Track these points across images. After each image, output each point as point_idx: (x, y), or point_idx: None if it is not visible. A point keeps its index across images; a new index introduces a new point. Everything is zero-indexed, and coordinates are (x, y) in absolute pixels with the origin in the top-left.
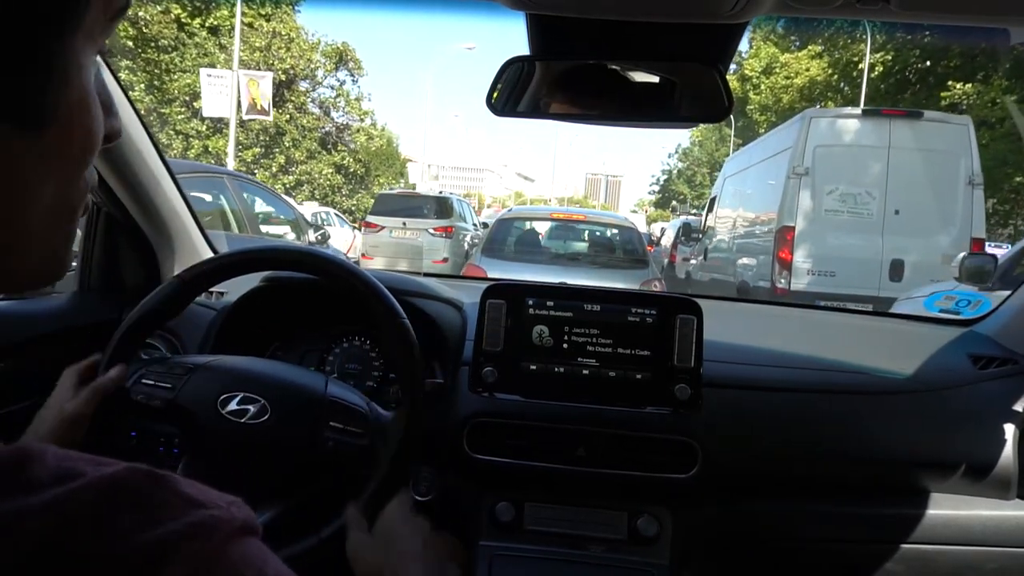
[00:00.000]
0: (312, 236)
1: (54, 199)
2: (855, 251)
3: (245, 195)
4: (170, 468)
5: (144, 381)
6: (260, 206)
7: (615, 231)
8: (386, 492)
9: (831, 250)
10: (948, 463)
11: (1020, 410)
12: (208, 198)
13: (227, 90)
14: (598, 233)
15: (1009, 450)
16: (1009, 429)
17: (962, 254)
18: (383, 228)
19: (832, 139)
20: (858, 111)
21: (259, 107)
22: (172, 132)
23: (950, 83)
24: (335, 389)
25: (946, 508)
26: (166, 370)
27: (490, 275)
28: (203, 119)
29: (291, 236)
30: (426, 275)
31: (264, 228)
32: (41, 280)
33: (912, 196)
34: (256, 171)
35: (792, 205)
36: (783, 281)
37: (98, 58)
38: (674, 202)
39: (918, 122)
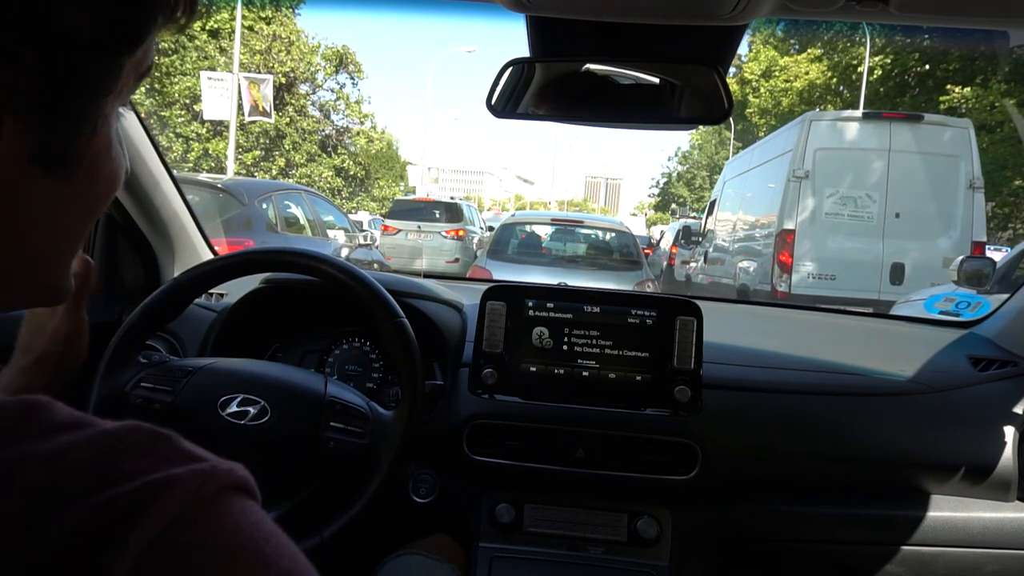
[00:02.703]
0: (361, 239)
1: (75, 237)
2: (855, 254)
3: (317, 207)
4: None
5: (143, 384)
6: (324, 215)
7: (612, 235)
8: (387, 492)
9: (831, 253)
10: (948, 465)
11: (1020, 412)
12: (294, 209)
13: (227, 93)
14: (595, 236)
15: (1009, 452)
16: (1009, 431)
17: (960, 257)
18: (399, 231)
19: (832, 142)
20: (858, 114)
21: (260, 109)
22: (172, 135)
23: (949, 87)
24: (335, 389)
25: (946, 510)
26: (164, 373)
27: (495, 276)
28: (203, 122)
29: (343, 239)
30: (426, 276)
31: (329, 232)
32: (41, 302)
33: (912, 199)
34: (256, 174)
35: (792, 208)
36: (783, 284)
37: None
38: (673, 205)
39: (918, 125)
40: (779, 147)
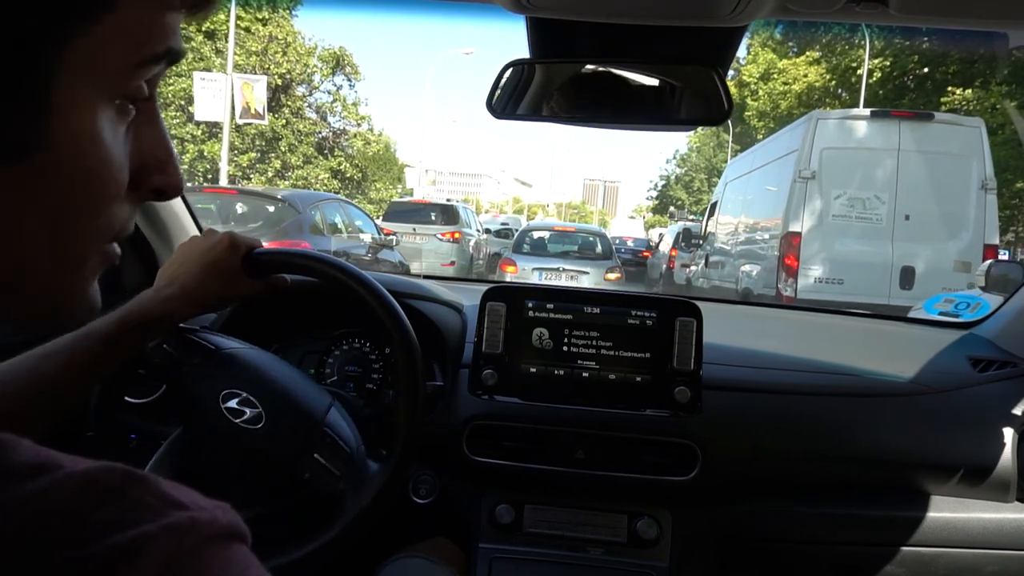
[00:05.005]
0: (387, 241)
1: (53, 244)
2: (864, 257)
3: (351, 214)
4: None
5: (164, 347)
6: (356, 220)
7: (593, 237)
8: (339, 546)
9: (839, 256)
10: (947, 465)
11: (1019, 413)
12: (332, 215)
13: (220, 94)
14: (582, 238)
15: (1008, 453)
16: (1008, 432)
17: (988, 262)
18: (394, 234)
19: (840, 141)
20: (866, 112)
21: (253, 111)
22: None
23: (950, 88)
24: (334, 419)
25: (946, 510)
26: (187, 342)
27: (519, 265)
28: (198, 124)
29: (370, 241)
30: (426, 277)
31: (360, 236)
32: (42, 323)
33: (923, 201)
34: (252, 176)
35: (798, 210)
36: (789, 289)
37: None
38: (672, 208)
39: (928, 124)
40: (784, 147)
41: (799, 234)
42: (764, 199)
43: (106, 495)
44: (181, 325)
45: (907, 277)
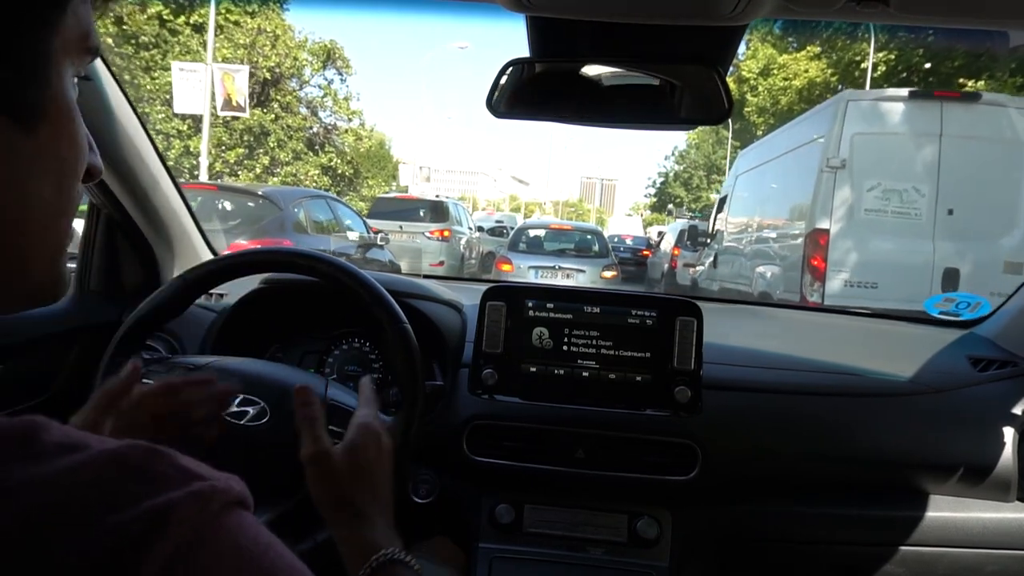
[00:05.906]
0: (379, 239)
1: (51, 204)
2: (901, 258)
3: (338, 211)
4: None
5: (144, 381)
6: (344, 218)
7: (589, 235)
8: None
9: (872, 257)
10: (947, 465)
11: (1019, 412)
12: (318, 213)
13: (200, 85)
14: (577, 236)
15: (1009, 452)
16: (1009, 432)
17: None
18: (380, 232)
19: (873, 126)
20: (904, 92)
21: (234, 103)
22: (152, 132)
23: (961, 80)
24: (335, 392)
25: (946, 510)
26: (167, 370)
27: (515, 263)
28: (184, 118)
29: (359, 240)
30: (426, 277)
31: (348, 234)
32: (42, 295)
33: (968, 193)
34: (240, 172)
35: (826, 204)
36: (815, 294)
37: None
38: (670, 205)
39: (975, 106)
40: (809, 133)
41: (827, 231)
42: (784, 192)
43: (134, 468)
44: (145, 356)
45: (951, 280)
